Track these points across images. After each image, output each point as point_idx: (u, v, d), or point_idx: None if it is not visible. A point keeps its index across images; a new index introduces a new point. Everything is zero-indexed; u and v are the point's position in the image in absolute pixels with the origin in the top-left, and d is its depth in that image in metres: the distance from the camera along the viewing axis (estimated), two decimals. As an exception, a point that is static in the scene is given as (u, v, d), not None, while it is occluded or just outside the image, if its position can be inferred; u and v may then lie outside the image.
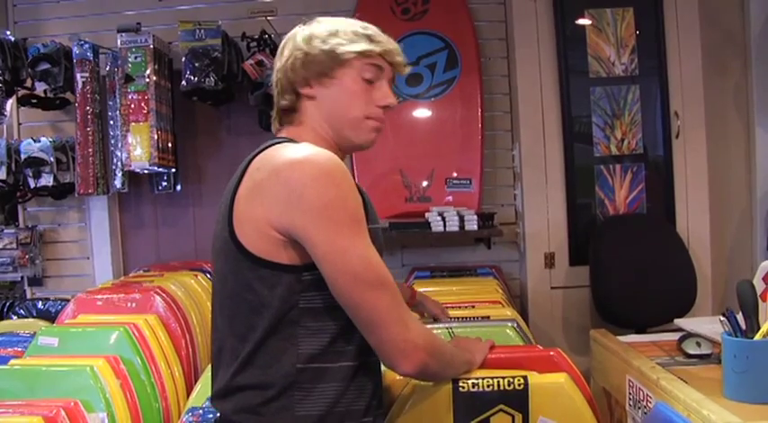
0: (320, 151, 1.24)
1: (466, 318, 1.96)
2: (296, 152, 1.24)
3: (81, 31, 3.14)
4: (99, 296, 2.42)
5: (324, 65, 1.33)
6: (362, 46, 1.35)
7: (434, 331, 1.75)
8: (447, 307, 2.06)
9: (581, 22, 2.92)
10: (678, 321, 1.82)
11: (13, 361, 1.94)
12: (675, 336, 1.71)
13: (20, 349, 2.20)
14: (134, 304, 2.35)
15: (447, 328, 1.79)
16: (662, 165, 2.92)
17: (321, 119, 1.36)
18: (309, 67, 1.34)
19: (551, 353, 1.53)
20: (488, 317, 1.96)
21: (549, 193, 2.95)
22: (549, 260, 2.94)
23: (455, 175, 3.03)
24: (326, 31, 1.36)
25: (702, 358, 1.54)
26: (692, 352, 1.56)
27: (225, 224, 1.27)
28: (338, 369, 1.26)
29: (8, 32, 3.14)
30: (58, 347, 2.05)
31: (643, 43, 2.89)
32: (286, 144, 1.29)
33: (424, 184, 3.03)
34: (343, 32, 1.36)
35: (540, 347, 1.65)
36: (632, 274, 2.67)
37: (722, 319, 1.30)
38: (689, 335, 1.63)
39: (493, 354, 1.52)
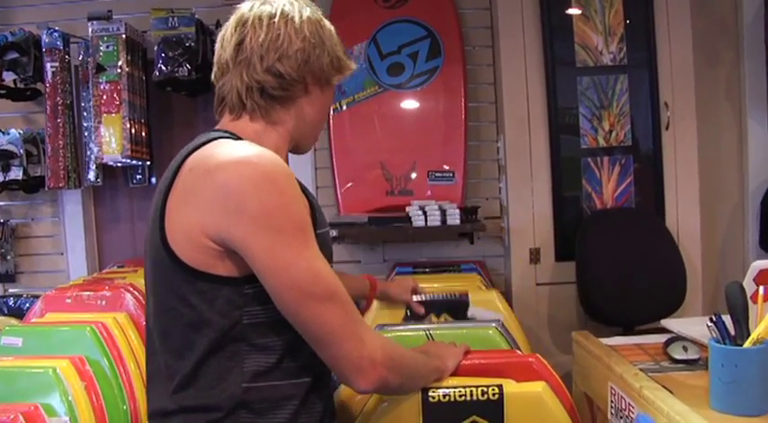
0: (262, 151, 1.12)
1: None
2: (233, 152, 1.12)
3: (54, 19, 3.03)
4: (68, 294, 2.33)
5: (330, 69, 1.26)
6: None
7: (411, 334, 1.67)
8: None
9: (568, 9, 2.82)
10: (665, 322, 1.74)
11: (-29, 362, 1.84)
12: (662, 338, 1.63)
13: (-16, 349, 2.12)
14: (104, 302, 2.26)
15: (425, 331, 1.69)
16: (651, 157, 2.83)
17: (299, 120, 1.26)
18: (316, 68, 1.24)
19: (530, 359, 1.45)
20: (467, 293, 1.92)
21: (534, 187, 2.86)
22: (535, 256, 2.86)
23: (438, 167, 2.93)
24: (330, 29, 1.27)
25: (689, 364, 1.46)
26: (678, 357, 1.47)
27: (156, 230, 1.14)
28: (288, 386, 1.17)
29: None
30: (22, 348, 1.97)
31: (632, 32, 2.80)
32: (223, 141, 1.16)
33: (411, 176, 2.94)
34: (335, 33, 1.28)
35: (520, 352, 1.57)
36: (620, 271, 2.60)
37: (709, 324, 1.22)
38: (675, 338, 1.55)
39: (467, 359, 1.43)
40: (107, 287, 2.34)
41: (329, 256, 1.22)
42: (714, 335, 1.21)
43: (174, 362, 1.15)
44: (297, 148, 1.33)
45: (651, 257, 2.63)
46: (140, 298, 2.28)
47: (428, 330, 1.69)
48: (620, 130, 2.83)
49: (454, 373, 1.39)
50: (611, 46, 2.81)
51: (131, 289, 2.30)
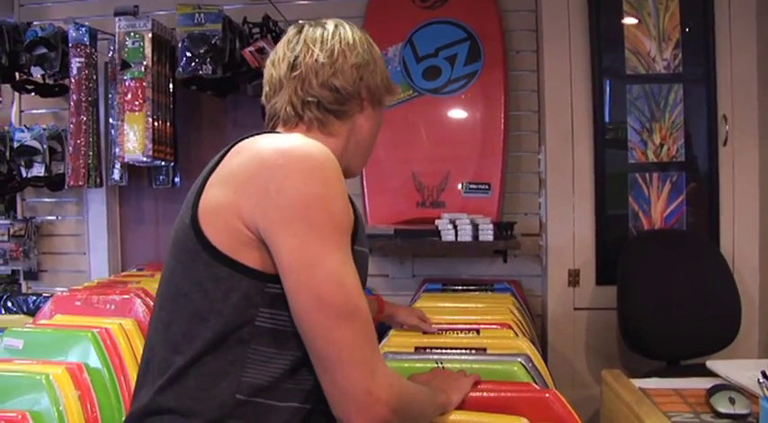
0: (316, 143, 1.08)
1: (464, 349, 1.66)
2: (286, 140, 1.08)
3: (87, 15, 3.00)
4: (79, 296, 2.29)
5: (382, 87, 1.28)
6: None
7: (422, 365, 1.50)
8: (447, 330, 1.80)
9: (619, 16, 2.61)
10: (711, 364, 1.52)
11: (-33, 364, 1.81)
12: (706, 383, 1.42)
13: (-6, 349, 2.09)
14: (113, 306, 2.21)
15: (438, 363, 1.52)
16: (706, 175, 2.60)
17: (353, 136, 1.25)
18: (371, 84, 1.25)
19: (546, 394, 1.29)
20: (485, 349, 1.63)
21: (576, 203, 2.65)
22: (574, 278, 2.65)
23: (473, 178, 2.75)
24: (378, 50, 1.30)
25: (736, 419, 1.24)
26: (723, 410, 1.26)
27: (188, 209, 1.08)
28: (286, 410, 1.04)
29: (12, 16, 3.03)
30: (22, 351, 1.92)
31: (689, 37, 2.57)
32: (276, 134, 1.14)
33: (444, 187, 2.78)
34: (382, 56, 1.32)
35: (536, 387, 1.39)
36: (666, 299, 2.37)
37: (762, 379, 1.01)
38: (722, 386, 1.33)
39: (477, 391, 1.29)
40: (118, 291, 2.29)
41: (363, 279, 1.12)
42: (767, 393, 1.00)
43: (171, 355, 1.05)
44: (346, 170, 1.26)
45: (702, 286, 2.40)
46: (150, 304, 2.21)
47: (440, 361, 1.52)
48: (673, 145, 2.60)
49: (461, 406, 1.26)
50: (665, 52, 2.58)
51: (142, 294, 2.24)
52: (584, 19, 2.63)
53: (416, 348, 1.64)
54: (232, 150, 1.10)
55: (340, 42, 1.21)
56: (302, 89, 1.19)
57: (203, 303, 1.04)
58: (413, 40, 2.80)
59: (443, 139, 2.79)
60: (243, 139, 1.13)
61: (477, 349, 1.63)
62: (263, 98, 1.27)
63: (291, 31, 1.26)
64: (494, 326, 1.87)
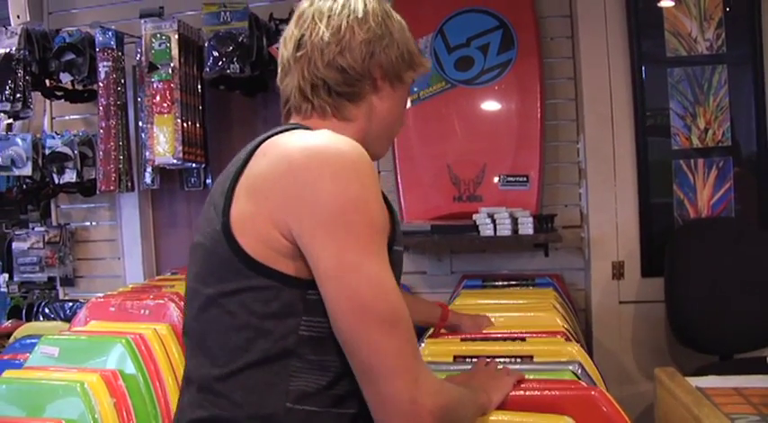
0: (346, 139, 1.03)
1: (509, 358, 1.53)
2: (314, 137, 1.03)
3: (116, 19, 2.98)
4: (113, 302, 2.27)
5: (400, 63, 1.18)
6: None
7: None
8: (488, 339, 1.70)
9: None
10: (774, 358, 1.43)
11: (4, 374, 1.81)
12: (769, 380, 1.33)
13: (33, 356, 2.10)
14: (148, 311, 2.18)
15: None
16: (754, 159, 2.48)
17: (371, 118, 1.18)
18: (384, 61, 1.16)
19: (592, 393, 1.22)
20: (532, 357, 1.52)
21: (618, 193, 2.56)
22: (618, 270, 2.55)
23: (510, 171, 2.67)
24: (400, 21, 1.21)
25: (807, 419, 1.16)
26: (792, 410, 1.18)
27: (218, 215, 1.02)
28: (332, 416, 1.02)
29: (41, 23, 3.03)
30: (57, 358, 1.91)
31: (732, 15, 2.45)
32: (302, 130, 1.08)
33: (481, 180, 2.69)
34: (406, 27, 1.22)
35: (582, 384, 1.31)
36: (716, 290, 2.28)
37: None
38: (788, 383, 1.25)
39: (518, 390, 1.23)
40: (152, 296, 2.26)
41: (398, 279, 1.07)
42: None
43: (209, 368, 1.02)
44: (370, 153, 1.21)
45: (753, 275, 2.30)
46: (184, 308, 2.18)
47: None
48: (718, 129, 2.49)
49: (502, 405, 1.20)
50: (707, 32, 2.47)
51: (176, 299, 2.20)
52: (621, 0, 2.54)
53: (455, 357, 1.55)
54: (258, 151, 1.05)
55: (348, 16, 1.13)
56: (308, 70, 1.13)
57: (241, 315, 1.00)
58: (443, 30, 2.72)
59: (478, 131, 2.70)
60: (269, 137, 1.08)
61: (523, 357, 1.53)
62: (278, 80, 1.21)
63: (304, 3, 1.19)
64: (542, 334, 1.70)
